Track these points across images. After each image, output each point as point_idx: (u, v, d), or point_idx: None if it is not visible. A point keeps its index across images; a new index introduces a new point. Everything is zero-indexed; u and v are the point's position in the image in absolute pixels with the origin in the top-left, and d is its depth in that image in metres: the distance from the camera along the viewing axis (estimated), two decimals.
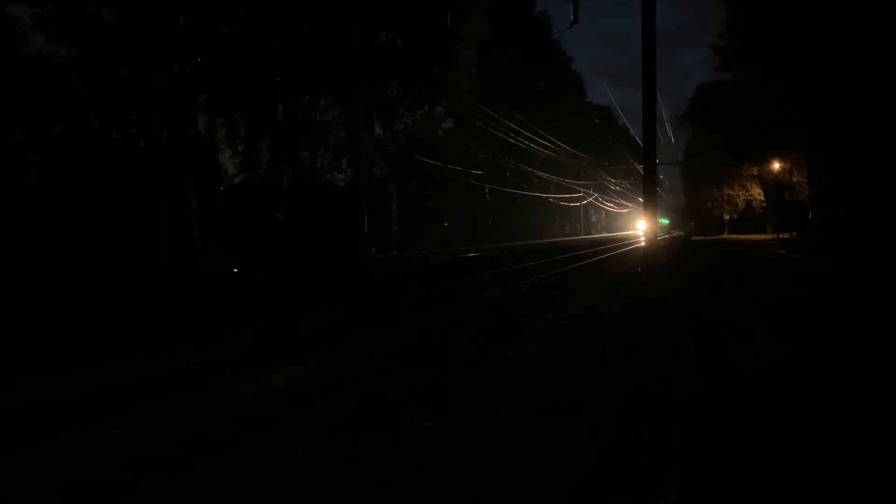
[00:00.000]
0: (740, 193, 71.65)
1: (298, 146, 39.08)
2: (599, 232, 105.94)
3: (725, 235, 71.07)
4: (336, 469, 4.05)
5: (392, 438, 4.51)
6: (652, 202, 23.10)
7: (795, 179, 54.59)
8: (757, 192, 69.54)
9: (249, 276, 19.92)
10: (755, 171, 64.30)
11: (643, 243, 48.04)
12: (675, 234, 74.61)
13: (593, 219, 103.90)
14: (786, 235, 52.30)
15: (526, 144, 44.90)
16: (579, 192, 77.62)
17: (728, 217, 76.31)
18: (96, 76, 24.17)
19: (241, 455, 4.53)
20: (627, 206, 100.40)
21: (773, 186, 61.34)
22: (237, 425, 5.38)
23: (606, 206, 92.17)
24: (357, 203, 38.53)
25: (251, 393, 6.39)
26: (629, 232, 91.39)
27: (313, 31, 35.62)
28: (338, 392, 6.31)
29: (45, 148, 20.42)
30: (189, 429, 5.26)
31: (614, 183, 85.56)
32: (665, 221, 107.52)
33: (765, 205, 69.29)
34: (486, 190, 53.04)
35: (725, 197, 73.33)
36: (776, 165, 55.18)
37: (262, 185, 35.20)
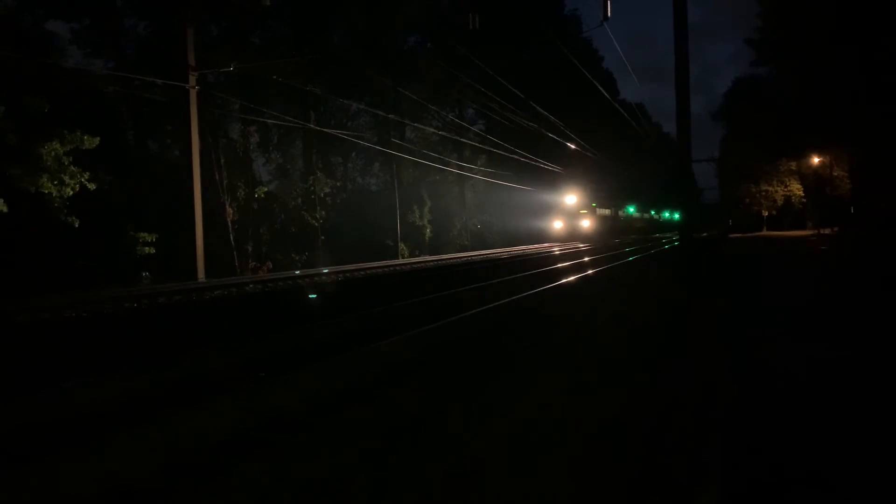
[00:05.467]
0: (778, 189, 70.28)
1: (331, 152, 39.34)
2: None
3: (764, 232, 69.76)
4: None
5: None
6: (686, 194, 22.70)
7: (836, 174, 53.37)
8: (796, 188, 68.15)
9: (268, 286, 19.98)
10: (794, 165, 63.05)
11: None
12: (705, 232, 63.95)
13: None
14: (827, 231, 51.14)
15: (556, 141, 44.53)
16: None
17: (766, 213, 74.88)
18: (132, 87, 24.61)
19: None
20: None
21: (813, 181, 60.05)
22: None
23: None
24: (389, 208, 38.66)
25: None
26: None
27: (343, 37, 35.87)
28: None
29: (84, 158, 20.82)
30: None
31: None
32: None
33: (804, 200, 67.86)
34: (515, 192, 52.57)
35: (763, 193, 71.96)
36: (815, 160, 54.01)
37: (295, 192, 35.48)
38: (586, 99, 52.35)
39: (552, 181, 48.91)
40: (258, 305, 15.19)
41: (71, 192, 20.26)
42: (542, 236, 51.69)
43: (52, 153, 19.79)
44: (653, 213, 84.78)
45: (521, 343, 7.80)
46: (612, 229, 59.35)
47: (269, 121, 28.91)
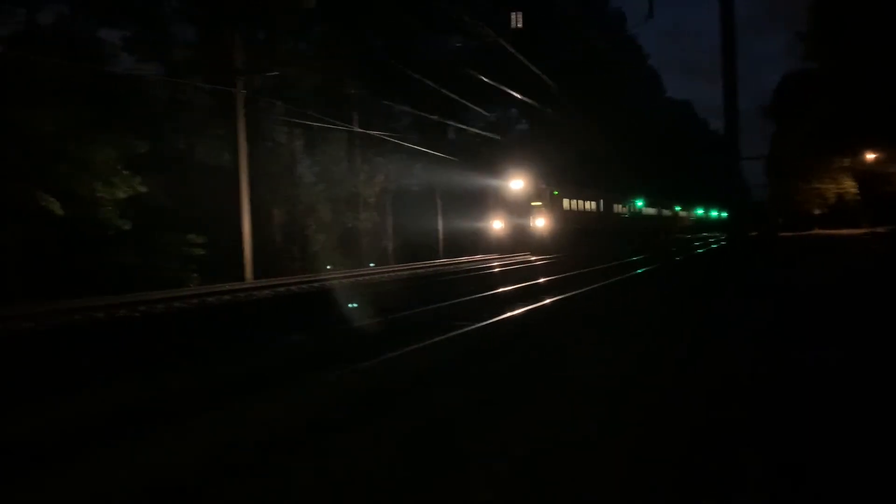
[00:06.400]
0: (831, 186, 68.30)
1: (374, 153, 39.58)
2: None
3: (816, 231, 67.94)
4: None
5: None
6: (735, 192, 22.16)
7: (892, 170, 51.70)
8: (849, 185, 66.17)
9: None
10: (847, 162, 61.25)
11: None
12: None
13: None
14: (881, 230, 49.52)
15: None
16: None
17: (818, 212, 72.93)
18: (180, 92, 25.14)
19: None
20: None
21: (868, 178, 58.26)
22: None
23: None
24: (431, 208, 38.73)
25: None
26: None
27: (386, 39, 36.08)
28: None
29: (134, 163, 21.36)
30: None
31: None
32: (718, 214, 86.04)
33: (858, 198, 65.88)
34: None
35: (814, 191, 70.04)
36: (870, 156, 52.37)
37: (339, 193, 35.78)
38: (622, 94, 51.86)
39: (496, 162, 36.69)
40: (300, 306, 15.36)
41: (123, 196, 20.79)
42: (475, 243, 37.39)
43: (105, 158, 20.34)
44: (678, 209, 69.45)
45: None
46: (600, 231, 41.64)
47: (313, 124, 29.20)
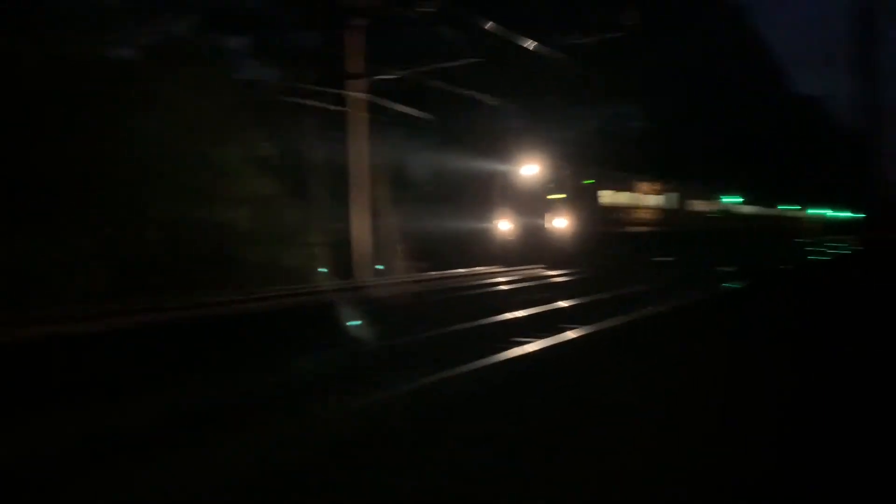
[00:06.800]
0: None
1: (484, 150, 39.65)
2: None
3: None
4: None
5: None
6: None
7: None
8: None
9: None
10: None
11: None
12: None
13: None
14: None
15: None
16: None
17: None
18: (302, 95, 25.98)
19: None
20: None
21: None
22: None
23: None
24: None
25: None
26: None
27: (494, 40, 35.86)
28: None
29: (259, 164, 22.37)
30: None
31: None
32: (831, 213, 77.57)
33: None
34: None
35: None
36: None
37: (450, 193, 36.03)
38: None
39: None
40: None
41: (249, 196, 21.81)
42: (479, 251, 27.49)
43: (232, 159, 21.39)
44: (795, 208, 61.44)
45: None
46: (667, 235, 31.07)
47: (427, 127, 29.51)
